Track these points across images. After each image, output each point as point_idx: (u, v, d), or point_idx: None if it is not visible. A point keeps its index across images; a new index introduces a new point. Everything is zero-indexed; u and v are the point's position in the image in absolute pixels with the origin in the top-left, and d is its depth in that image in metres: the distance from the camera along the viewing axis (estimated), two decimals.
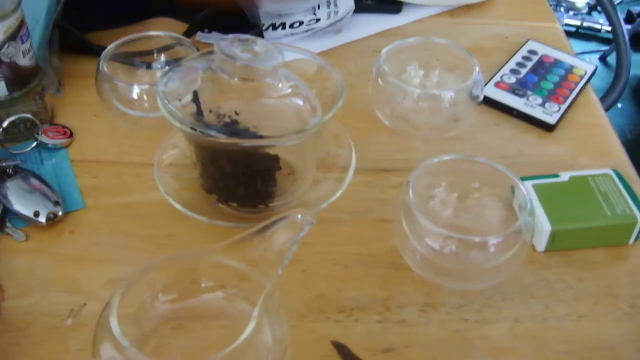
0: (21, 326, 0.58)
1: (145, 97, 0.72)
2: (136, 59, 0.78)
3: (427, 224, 0.58)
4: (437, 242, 0.59)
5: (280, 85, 0.64)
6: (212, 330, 0.57)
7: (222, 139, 0.59)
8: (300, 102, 0.66)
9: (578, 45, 2.39)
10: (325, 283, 0.61)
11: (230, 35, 0.63)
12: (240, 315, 0.56)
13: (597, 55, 2.35)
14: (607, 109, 1.79)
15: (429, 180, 0.64)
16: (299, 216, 0.54)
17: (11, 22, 0.66)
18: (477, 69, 0.73)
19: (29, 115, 0.71)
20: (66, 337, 0.57)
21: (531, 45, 0.87)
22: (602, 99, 1.84)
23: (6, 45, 0.67)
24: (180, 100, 0.63)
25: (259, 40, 0.64)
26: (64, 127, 0.74)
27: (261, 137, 0.60)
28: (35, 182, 0.67)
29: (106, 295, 0.58)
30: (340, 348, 0.57)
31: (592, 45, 2.40)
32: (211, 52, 0.63)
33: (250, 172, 0.64)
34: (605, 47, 2.39)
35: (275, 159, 0.65)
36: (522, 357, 0.57)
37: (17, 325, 0.58)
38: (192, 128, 0.59)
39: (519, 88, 0.81)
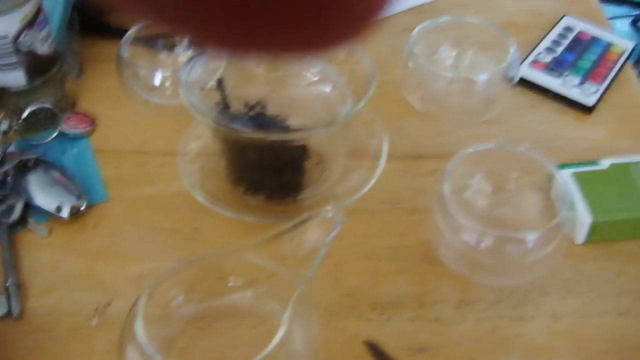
0: (45, 327, 0.57)
1: (167, 84, 0.70)
2: (159, 42, 0.76)
3: (463, 218, 0.56)
4: (472, 237, 0.56)
5: (307, 73, 0.62)
6: (240, 330, 0.55)
7: (250, 133, 0.57)
8: (329, 90, 0.64)
9: (608, 10, 2.32)
10: (357, 279, 0.60)
11: None
12: (269, 315, 0.54)
13: (629, 20, 2.29)
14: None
15: (464, 169, 0.61)
16: (330, 214, 0.52)
17: (27, 10, 0.64)
18: (512, 49, 0.70)
19: (48, 105, 0.69)
20: (91, 338, 0.56)
21: (567, 21, 0.84)
22: (634, 65, 1.79)
23: (23, 34, 0.65)
24: (203, 89, 0.61)
25: None
26: (85, 115, 0.72)
27: (288, 130, 0.58)
28: (56, 174, 0.65)
29: (131, 292, 0.57)
30: (373, 348, 0.55)
31: (622, 10, 2.33)
32: None
33: (278, 163, 0.61)
34: (636, 12, 2.32)
35: (303, 149, 0.62)
36: (560, 356, 0.55)
37: (41, 327, 0.57)
38: (216, 122, 0.57)
39: (555, 67, 0.77)
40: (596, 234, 0.61)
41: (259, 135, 0.57)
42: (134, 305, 0.49)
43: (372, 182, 0.63)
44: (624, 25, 2.25)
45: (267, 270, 0.53)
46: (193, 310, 0.55)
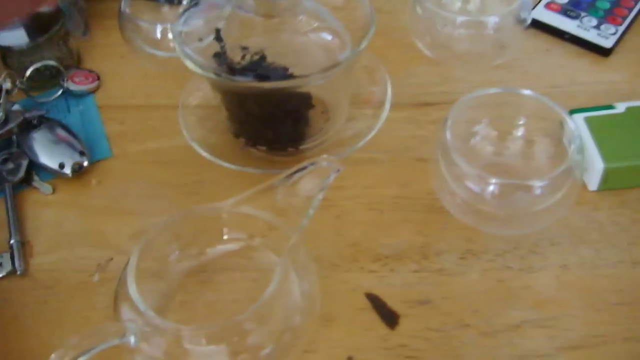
0: (49, 283, 0.57)
1: (170, 37, 0.68)
2: None
3: (467, 166, 0.54)
4: (477, 185, 0.54)
5: (305, 19, 0.60)
6: (240, 283, 0.55)
7: (247, 82, 0.55)
8: (329, 36, 0.62)
9: None
10: (360, 230, 0.58)
11: None
12: (268, 267, 0.53)
13: None
14: None
15: (470, 115, 0.59)
16: (325, 162, 0.51)
17: None
18: None
19: (53, 62, 0.69)
20: (93, 294, 0.56)
21: None
22: None
23: None
24: (201, 40, 0.60)
25: None
26: (90, 71, 0.71)
27: (286, 77, 0.57)
28: (61, 132, 0.65)
29: (133, 248, 0.57)
30: (374, 300, 0.54)
31: None
32: None
33: (280, 112, 0.60)
34: None
35: (306, 97, 0.61)
36: (570, 308, 0.53)
37: (45, 283, 0.57)
38: (215, 73, 0.55)
39: (572, 9, 0.74)
40: (609, 180, 0.59)
41: (258, 84, 0.56)
42: (127, 262, 0.49)
43: (376, 129, 0.62)
44: None
45: (265, 222, 0.52)
46: (191, 264, 0.55)
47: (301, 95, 0.60)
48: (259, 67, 0.58)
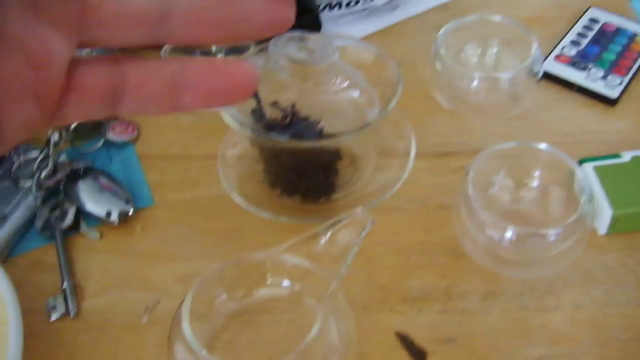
0: (100, 325, 0.61)
1: None
2: (196, 50, 0.80)
3: (486, 215, 0.59)
4: (496, 232, 0.59)
5: (336, 80, 0.65)
6: (280, 325, 0.59)
7: (285, 141, 0.60)
8: (357, 94, 0.67)
9: None
10: (388, 273, 0.63)
11: (285, 35, 0.64)
12: (306, 310, 0.58)
13: None
14: None
15: (488, 166, 0.64)
16: (360, 215, 0.56)
17: None
18: (535, 45, 0.72)
19: None
20: (143, 334, 0.60)
21: (593, 12, 0.85)
22: None
23: None
24: None
25: (313, 36, 0.65)
26: (129, 122, 0.76)
27: (322, 136, 0.62)
28: (105, 181, 0.70)
29: (178, 291, 0.62)
30: (403, 339, 0.59)
31: None
32: (266, 49, 0.64)
33: (312, 166, 0.65)
34: None
35: (336, 151, 0.66)
36: (583, 344, 0.58)
37: (97, 325, 0.61)
38: (251, 130, 0.60)
39: (580, 61, 0.79)
40: (617, 225, 0.64)
41: (295, 143, 0.61)
42: (181, 303, 0.54)
43: (402, 180, 0.66)
44: None
45: (304, 269, 0.57)
46: (235, 307, 0.59)
47: (331, 150, 0.65)
48: (295, 124, 0.63)
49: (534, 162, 0.65)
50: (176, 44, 0.30)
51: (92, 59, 0.28)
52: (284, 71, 0.63)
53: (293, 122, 0.63)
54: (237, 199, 0.65)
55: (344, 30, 0.84)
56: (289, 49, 0.62)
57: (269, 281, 0.59)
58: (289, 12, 0.29)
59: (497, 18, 0.76)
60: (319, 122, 0.63)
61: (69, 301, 0.62)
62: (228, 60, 0.30)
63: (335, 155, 0.66)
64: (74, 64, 0.27)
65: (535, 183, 0.65)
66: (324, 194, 0.67)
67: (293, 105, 0.64)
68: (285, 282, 0.59)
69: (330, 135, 0.62)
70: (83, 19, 0.27)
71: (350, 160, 0.68)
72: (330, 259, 0.55)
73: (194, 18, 0.28)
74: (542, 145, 0.63)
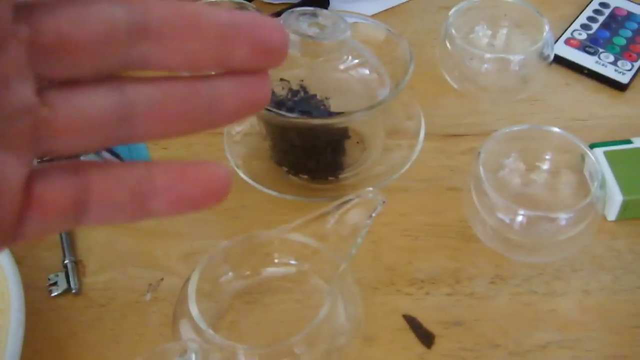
0: (102, 302, 0.60)
1: None
2: None
3: (497, 198, 0.58)
4: (507, 215, 0.58)
5: (347, 57, 0.64)
6: (286, 305, 0.58)
7: (294, 117, 0.59)
8: (367, 72, 0.66)
9: None
10: (396, 255, 0.62)
11: (296, 9, 0.62)
12: (313, 290, 0.58)
13: None
14: None
15: (499, 148, 0.63)
16: (371, 195, 0.55)
17: None
18: (547, 28, 0.71)
19: None
20: (146, 312, 0.59)
21: None
22: None
23: None
24: None
25: (324, 13, 0.63)
26: None
27: (331, 114, 0.61)
28: (109, 157, 0.69)
29: (182, 269, 0.61)
30: (411, 322, 0.58)
31: None
32: None
33: (320, 144, 0.64)
34: None
35: (344, 130, 0.65)
36: (591, 330, 0.57)
37: (99, 301, 0.60)
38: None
39: (590, 45, 0.78)
40: (627, 211, 0.63)
41: (304, 120, 0.60)
42: (187, 281, 0.53)
43: (411, 161, 0.65)
44: None
45: (312, 248, 0.56)
46: (241, 285, 0.58)
47: (339, 128, 0.64)
48: (303, 101, 0.62)
49: (545, 146, 0.64)
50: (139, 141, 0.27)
51: (51, 168, 0.26)
52: (294, 47, 0.62)
53: (302, 99, 0.62)
54: (244, 176, 0.64)
55: (352, 8, 0.82)
56: (300, 24, 0.61)
57: (276, 260, 0.58)
58: (265, 89, 0.27)
59: (511, 0, 0.75)
60: (328, 99, 0.63)
61: (71, 277, 0.61)
62: (198, 163, 0.27)
63: (343, 134, 0.65)
64: (31, 177, 0.25)
65: (546, 166, 0.64)
66: (331, 173, 0.66)
67: (302, 82, 0.63)
68: (293, 262, 0.58)
69: (339, 114, 0.61)
70: (36, 133, 0.24)
71: (358, 139, 0.67)
72: (339, 239, 0.55)
73: (157, 114, 0.26)
74: (554, 129, 0.62)
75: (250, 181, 0.64)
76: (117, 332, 0.59)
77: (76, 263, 0.62)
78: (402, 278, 0.61)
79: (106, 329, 0.59)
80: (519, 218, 0.58)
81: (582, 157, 0.62)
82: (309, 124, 0.60)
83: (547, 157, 0.64)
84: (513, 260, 0.61)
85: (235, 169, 0.65)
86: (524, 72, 0.72)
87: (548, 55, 0.72)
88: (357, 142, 0.67)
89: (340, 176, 0.66)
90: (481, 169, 0.59)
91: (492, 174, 0.62)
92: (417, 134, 0.67)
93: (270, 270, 0.58)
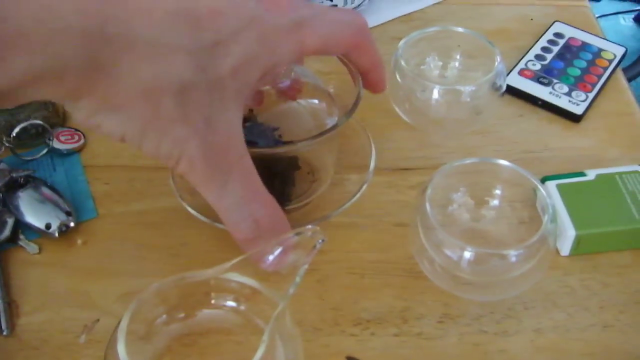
0: (36, 344, 0.57)
1: None
2: None
3: (444, 234, 0.56)
4: (454, 252, 0.56)
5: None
6: (225, 347, 0.56)
7: None
8: (316, 101, 0.64)
9: (612, 5, 2.31)
10: (341, 294, 0.60)
11: None
12: (253, 331, 0.55)
13: (632, 16, 2.28)
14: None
15: (448, 183, 0.61)
16: (310, 233, 0.53)
17: None
18: (498, 59, 0.70)
19: (39, 122, 0.70)
20: (80, 355, 0.57)
21: (558, 27, 0.84)
22: (638, 61, 1.78)
23: None
24: None
25: None
26: (76, 130, 0.73)
27: (278, 143, 0.59)
28: (46, 191, 0.66)
29: (119, 309, 0.58)
30: None
31: (626, 5, 2.32)
32: None
33: (268, 174, 0.62)
34: None
35: (293, 159, 0.63)
36: None
37: (32, 343, 0.57)
38: None
39: (544, 76, 0.77)
40: (580, 246, 0.61)
41: (249, 149, 0.57)
42: (117, 326, 0.50)
43: (359, 195, 0.63)
44: (628, 21, 2.24)
45: (250, 288, 0.53)
46: (178, 327, 0.56)
47: (289, 157, 0.62)
48: (251, 130, 0.60)
49: (495, 179, 0.62)
50: None
51: None
52: None
53: (249, 128, 0.60)
54: (189, 208, 0.62)
55: None
56: None
57: (213, 301, 0.55)
58: None
59: (459, 30, 0.74)
60: (276, 128, 0.61)
61: (2, 319, 0.58)
62: None
63: (292, 165, 0.63)
64: None
65: (496, 201, 0.63)
66: (280, 203, 0.63)
67: (250, 110, 0.61)
68: (230, 302, 0.55)
69: (286, 142, 0.59)
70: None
71: (309, 170, 0.65)
72: (279, 278, 0.52)
73: None
74: (504, 162, 0.60)
75: (195, 213, 0.62)
76: None
77: (9, 304, 0.60)
78: (347, 318, 0.58)
79: None
80: (467, 255, 0.56)
81: (534, 191, 0.60)
82: (255, 153, 0.58)
83: (497, 191, 0.62)
84: (462, 298, 0.59)
85: (180, 200, 0.63)
86: (476, 103, 0.70)
87: (500, 86, 0.71)
88: (308, 173, 0.65)
89: (286, 207, 0.63)
90: (427, 204, 0.57)
91: (440, 209, 0.60)
92: (367, 167, 0.65)
93: (208, 312, 0.56)
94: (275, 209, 0.54)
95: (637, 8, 2.30)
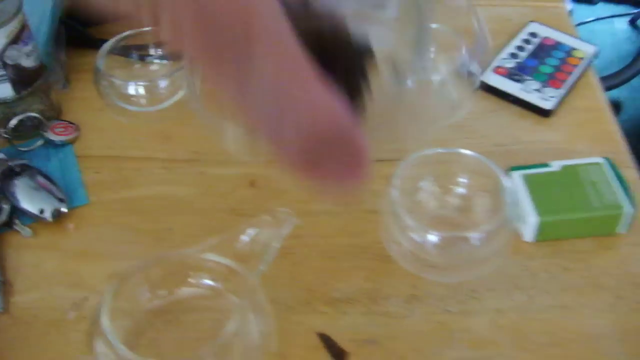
0: (27, 320, 0.61)
1: (142, 93, 0.74)
2: (133, 53, 0.81)
3: (410, 220, 0.60)
4: (420, 236, 0.60)
5: None
6: (204, 323, 0.60)
7: None
8: None
9: (608, 8, 2.34)
10: (314, 275, 0.64)
11: None
12: (229, 308, 0.58)
13: (627, 19, 2.30)
14: (635, 75, 1.76)
15: (415, 172, 0.65)
16: (282, 215, 0.57)
17: (13, 27, 0.68)
18: (463, 49, 0.73)
19: (35, 114, 0.74)
20: (69, 330, 0.61)
21: (533, 27, 0.87)
22: (632, 64, 1.81)
23: (9, 49, 0.69)
24: None
25: None
26: (70, 122, 0.77)
27: None
28: (41, 179, 0.70)
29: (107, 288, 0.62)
30: (325, 340, 0.59)
31: (621, 9, 2.34)
32: None
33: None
34: (635, 10, 2.33)
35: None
36: (503, 348, 0.59)
37: (24, 319, 0.61)
38: None
39: (517, 73, 0.81)
40: (543, 233, 0.65)
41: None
42: (101, 300, 0.54)
43: None
44: (622, 24, 2.26)
45: (227, 267, 0.57)
46: (159, 304, 0.60)
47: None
48: None
49: (461, 169, 0.66)
50: None
51: None
52: None
53: None
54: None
55: None
56: None
57: (191, 280, 0.59)
58: None
59: (433, 26, 0.77)
60: None
61: None
62: None
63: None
64: None
65: (461, 190, 0.66)
66: None
67: None
68: (207, 281, 0.59)
69: None
70: None
71: None
72: (253, 258, 0.56)
73: None
74: (469, 152, 0.64)
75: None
76: (40, 350, 0.60)
77: (4, 283, 0.63)
78: (319, 298, 0.62)
79: (30, 347, 0.60)
80: (432, 238, 0.60)
81: (498, 180, 0.63)
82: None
83: (463, 180, 0.66)
84: (428, 280, 0.63)
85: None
86: (449, 96, 0.74)
87: (471, 77, 0.73)
88: None
89: None
90: (394, 191, 0.61)
91: (407, 196, 0.64)
92: None
93: (186, 290, 0.59)
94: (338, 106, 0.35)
95: (632, 11, 2.33)
